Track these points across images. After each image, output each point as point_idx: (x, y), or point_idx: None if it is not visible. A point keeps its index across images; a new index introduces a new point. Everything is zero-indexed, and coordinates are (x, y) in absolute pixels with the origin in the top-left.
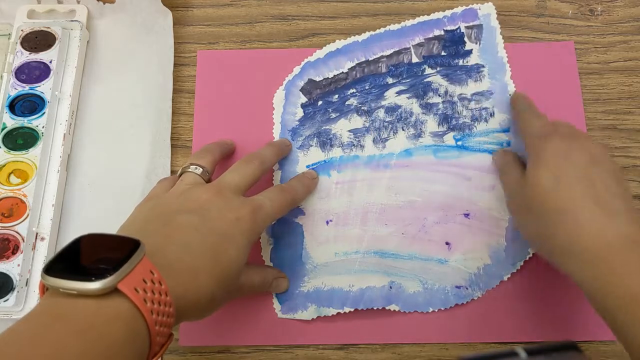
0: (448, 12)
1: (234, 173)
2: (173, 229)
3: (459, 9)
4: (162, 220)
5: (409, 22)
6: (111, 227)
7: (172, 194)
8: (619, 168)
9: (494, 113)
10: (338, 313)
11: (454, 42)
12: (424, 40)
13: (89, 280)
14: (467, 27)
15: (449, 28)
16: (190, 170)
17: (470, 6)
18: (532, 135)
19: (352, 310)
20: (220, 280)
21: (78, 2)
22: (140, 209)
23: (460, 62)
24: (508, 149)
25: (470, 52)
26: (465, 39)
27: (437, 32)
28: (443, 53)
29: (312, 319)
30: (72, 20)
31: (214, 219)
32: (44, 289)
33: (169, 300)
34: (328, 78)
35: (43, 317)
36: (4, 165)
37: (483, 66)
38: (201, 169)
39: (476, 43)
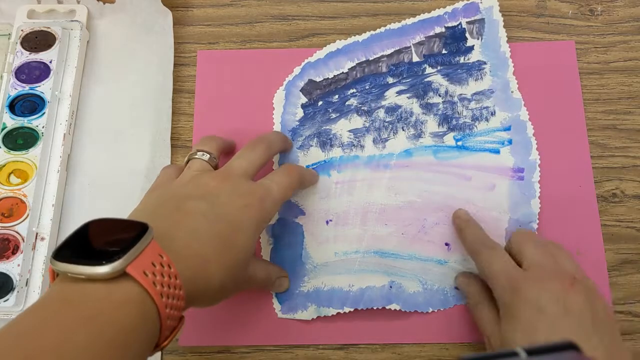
0: (449, 8)
1: (241, 159)
2: (181, 215)
3: (460, 4)
4: (170, 206)
5: (410, 21)
6: None
7: (181, 181)
8: (598, 304)
9: (494, 112)
10: (338, 313)
11: (455, 39)
12: (424, 39)
13: (98, 264)
14: (468, 23)
15: (450, 24)
16: (197, 157)
17: (472, 0)
18: (497, 284)
19: (352, 310)
20: (229, 268)
21: (78, 2)
22: (149, 197)
23: (462, 60)
24: (471, 276)
25: (471, 48)
26: (467, 34)
27: (438, 30)
28: (444, 51)
29: (312, 319)
30: (72, 20)
31: (223, 205)
32: (54, 274)
33: (179, 283)
34: (328, 78)
35: (51, 304)
36: (4, 165)
37: (485, 63)
38: (208, 155)
39: (478, 38)
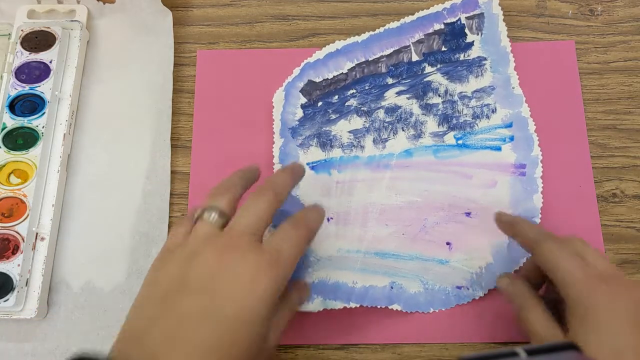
0: (447, 4)
1: (247, 214)
2: (176, 324)
3: None
4: (164, 306)
5: (409, 19)
6: (111, 226)
7: (181, 256)
8: None
9: (495, 109)
10: (344, 307)
11: (454, 36)
12: (424, 37)
13: None
14: (467, 18)
15: (449, 21)
16: (204, 217)
17: None
18: (569, 282)
19: (357, 305)
20: None
21: (78, 2)
22: (149, 280)
23: (462, 57)
24: (512, 276)
25: (471, 44)
26: (466, 30)
27: (437, 27)
28: (444, 48)
29: (319, 311)
30: (72, 20)
31: (226, 298)
32: None
33: None
34: (328, 79)
35: None
36: (4, 165)
37: (485, 59)
38: (216, 215)
39: (477, 34)
